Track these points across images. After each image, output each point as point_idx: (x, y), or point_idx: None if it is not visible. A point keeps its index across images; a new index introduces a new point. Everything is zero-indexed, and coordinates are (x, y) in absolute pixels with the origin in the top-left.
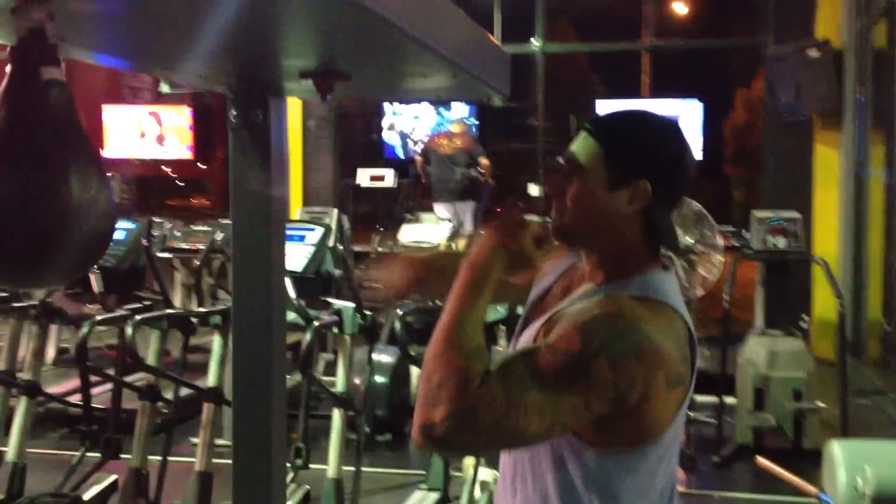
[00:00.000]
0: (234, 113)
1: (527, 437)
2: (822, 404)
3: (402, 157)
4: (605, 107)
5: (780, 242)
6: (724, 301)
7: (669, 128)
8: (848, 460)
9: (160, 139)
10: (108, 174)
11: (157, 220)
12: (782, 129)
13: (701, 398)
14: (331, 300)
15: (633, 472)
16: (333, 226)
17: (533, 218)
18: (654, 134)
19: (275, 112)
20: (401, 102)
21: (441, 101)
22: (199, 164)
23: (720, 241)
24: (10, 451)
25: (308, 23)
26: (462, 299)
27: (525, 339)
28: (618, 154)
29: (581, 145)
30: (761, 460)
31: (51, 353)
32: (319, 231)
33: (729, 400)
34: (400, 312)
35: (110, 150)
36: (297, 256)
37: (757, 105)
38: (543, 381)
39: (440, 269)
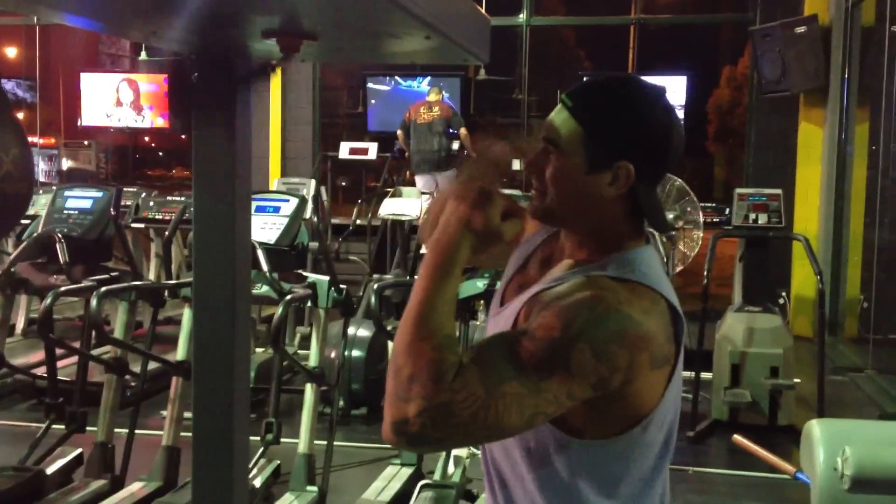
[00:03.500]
0: (197, 75)
1: (506, 429)
2: (798, 381)
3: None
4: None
5: (762, 219)
6: (704, 277)
7: (655, 100)
8: (827, 440)
9: (137, 108)
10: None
11: (130, 189)
12: (767, 106)
13: None
14: (305, 273)
15: (621, 460)
16: (310, 197)
17: (510, 192)
18: (638, 111)
19: (241, 75)
20: (382, 72)
21: (423, 72)
22: (179, 134)
23: (701, 218)
24: None
25: None
26: (430, 284)
27: (505, 317)
28: (598, 135)
29: (559, 122)
30: (738, 438)
31: (20, 323)
32: (294, 202)
33: (706, 375)
34: (375, 286)
35: (87, 119)
36: (270, 228)
37: (741, 82)
38: (523, 371)
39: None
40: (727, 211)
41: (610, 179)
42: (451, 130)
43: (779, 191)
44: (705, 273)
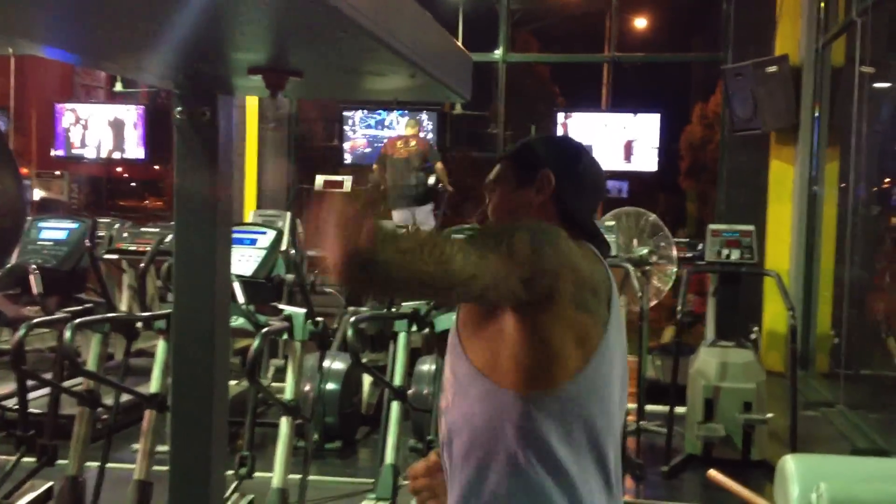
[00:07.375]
0: (180, 109)
1: (449, 270)
2: (771, 415)
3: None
4: (565, 118)
5: (734, 255)
6: (678, 312)
7: (569, 138)
8: (802, 475)
9: (112, 138)
10: (20, 168)
11: (103, 220)
12: (738, 144)
13: (651, 407)
14: (281, 306)
15: (554, 420)
16: (286, 229)
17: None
18: (552, 137)
19: (222, 110)
20: (359, 105)
21: (400, 107)
22: (153, 164)
23: (675, 253)
24: None
25: (258, 14)
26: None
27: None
28: (522, 157)
29: (494, 170)
30: (714, 473)
31: None
32: (271, 234)
33: (679, 410)
34: (352, 319)
35: (62, 149)
36: (247, 260)
37: (713, 120)
38: (471, 240)
39: None
40: (699, 246)
41: (536, 189)
42: (427, 164)
43: (751, 227)
44: (679, 308)
